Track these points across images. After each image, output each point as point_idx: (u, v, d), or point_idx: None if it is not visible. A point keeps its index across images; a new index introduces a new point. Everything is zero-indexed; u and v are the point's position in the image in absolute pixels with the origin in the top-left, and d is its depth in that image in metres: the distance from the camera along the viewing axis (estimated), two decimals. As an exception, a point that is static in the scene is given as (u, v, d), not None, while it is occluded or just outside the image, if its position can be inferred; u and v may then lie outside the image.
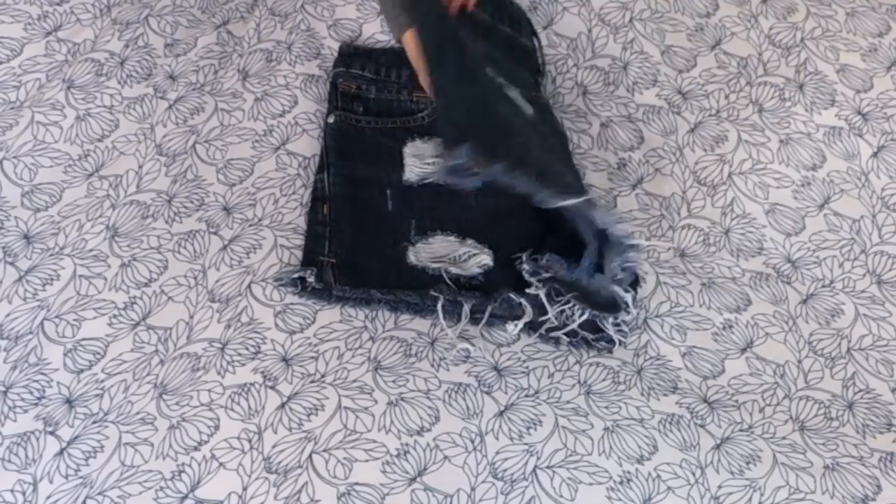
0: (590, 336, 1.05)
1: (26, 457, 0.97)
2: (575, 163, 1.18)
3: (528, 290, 1.06)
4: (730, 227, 1.17)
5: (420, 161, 1.18)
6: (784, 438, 1.00)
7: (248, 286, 1.07)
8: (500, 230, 1.13)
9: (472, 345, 1.04)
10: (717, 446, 0.98)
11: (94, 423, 0.99)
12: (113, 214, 1.13)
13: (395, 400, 0.99)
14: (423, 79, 1.15)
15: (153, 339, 1.04)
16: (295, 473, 0.94)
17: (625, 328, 1.06)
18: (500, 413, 0.99)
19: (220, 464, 0.95)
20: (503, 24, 1.25)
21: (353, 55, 1.27)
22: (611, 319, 1.05)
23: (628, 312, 1.06)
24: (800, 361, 1.07)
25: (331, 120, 1.21)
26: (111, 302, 1.06)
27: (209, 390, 1.00)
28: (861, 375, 1.06)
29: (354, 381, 1.00)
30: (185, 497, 0.94)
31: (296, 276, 1.07)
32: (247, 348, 1.02)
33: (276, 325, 1.04)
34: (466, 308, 1.06)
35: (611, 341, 1.05)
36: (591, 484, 0.95)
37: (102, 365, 1.02)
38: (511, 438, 0.97)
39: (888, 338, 1.09)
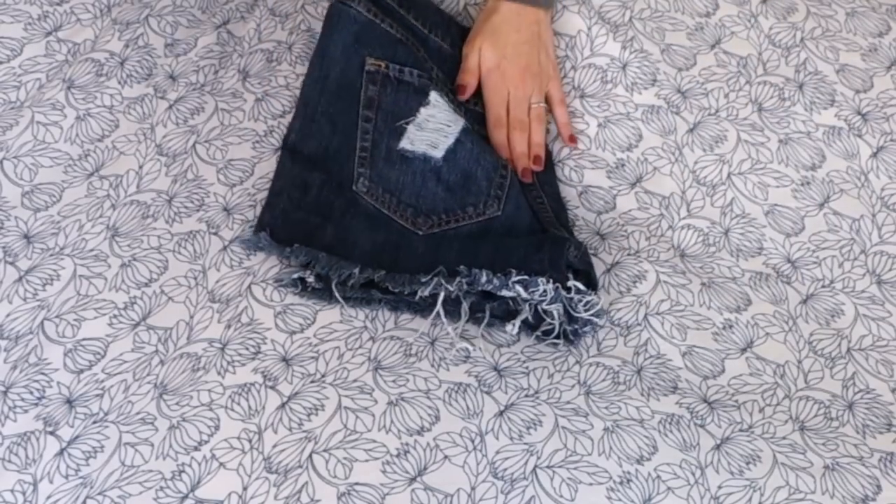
0: (569, 327, 1.05)
1: (26, 457, 0.97)
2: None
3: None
4: (729, 227, 1.17)
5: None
6: (784, 438, 1.00)
7: (249, 287, 1.07)
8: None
9: (472, 345, 1.04)
10: (717, 446, 0.98)
11: (95, 423, 0.99)
12: (113, 214, 1.13)
13: (395, 400, 0.99)
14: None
15: (153, 339, 1.04)
16: (295, 473, 0.94)
17: (595, 306, 1.05)
18: (500, 413, 0.99)
19: (221, 464, 0.95)
20: None
21: None
22: (580, 305, 1.05)
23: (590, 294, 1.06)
24: (800, 361, 1.07)
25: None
26: (111, 302, 1.06)
27: (209, 390, 1.00)
28: (861, 375, 1.07)
29: (354, 381, 1.00)
30: (185, 497, 0.94)
31: (296, 276, 1.07)
32: (247, 348, 1.02)
33: (277, 325, 1.04)
34: (465, 305, 1.05)
35: (588, 323, 1.05)
36: (591, 484, 0.95)
37: (103, 365, 1.02)
38: (511, 438, 0.97)
39: (888, 338, 1.09)
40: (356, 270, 1.06)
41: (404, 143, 1.15)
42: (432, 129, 1.15)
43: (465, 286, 1.04)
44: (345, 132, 1.15)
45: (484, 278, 1.04)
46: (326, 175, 1.13)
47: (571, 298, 1.04)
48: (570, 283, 1.04)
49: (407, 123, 1.16)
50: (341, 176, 1.14)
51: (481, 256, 1.07)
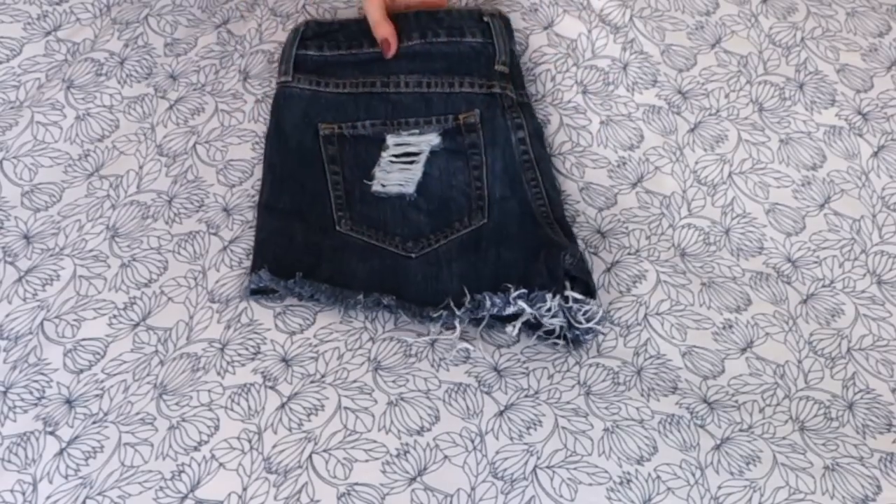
0: (570, 334, 1.05)
1: (26, 457, 0.97)
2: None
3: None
4: (730, 227, 1.17)
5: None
6: (784, 439, 1.00)
7: (249, 287, 1.07)
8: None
9: (472, 346, 1.04)
10: (717, 447, 0.98)
11: (94, 423, 0.99)
12: (113, 215, 1.13)
13: (395, 400, 0.99)
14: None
15: (153, 339, 1.04)
16: (295, 473, 0.94)
17: (596, 316, 1.06)
18: (500, 413, 0.99)
19: (220, 464, 0.95)
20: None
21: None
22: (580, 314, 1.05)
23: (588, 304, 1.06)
24: (800, 361, 1.07)
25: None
26: (111, 302, 1.06)
27: (209, 390, 1.00)
28: (861, 375, 1.06)
29: (354, 381, 1.00)
30: (185, 497, 0.94)
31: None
32: (247, 349, 1.02)
33: (276, 325, 1.04)
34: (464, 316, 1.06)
35: (589, 331, 1.05)
36: (590, 484, 0.95)
37: (102, 365, 1.02)
38: (511, 438, 0.97)
39: (888, 338, 1.09)
40: (361, 296, 1.05)
41: (376, 187, 1.17)
42: (398, 170, 1.17)
43: (470, 313, 1.05)
44: (315, 188, 1.17)
45: (488, 303, 1.04)
46: (307, 224, 1.14)
47: (570, 308, 1.04)
48: (567, 293, 1.04)
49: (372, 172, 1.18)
50: (322, 221, 1.14)
51: (482, 280, 1.08)
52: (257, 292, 1.07)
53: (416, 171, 1.17)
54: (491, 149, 1.19)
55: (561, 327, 1.05)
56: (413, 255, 1.12)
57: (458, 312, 1.05)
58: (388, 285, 1.08)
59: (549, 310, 1.04)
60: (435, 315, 1.05)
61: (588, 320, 1.05)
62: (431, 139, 1.19)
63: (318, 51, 1.25)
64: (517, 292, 1.04)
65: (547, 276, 1.06)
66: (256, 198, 1.14)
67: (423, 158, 1.18)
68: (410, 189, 1.16)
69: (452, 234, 1.14)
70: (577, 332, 1.05)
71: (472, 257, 1.12)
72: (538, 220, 1.13)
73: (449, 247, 1.13)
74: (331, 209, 1.15)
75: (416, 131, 1.20)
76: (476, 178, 1.17)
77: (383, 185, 1.17)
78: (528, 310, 1.04)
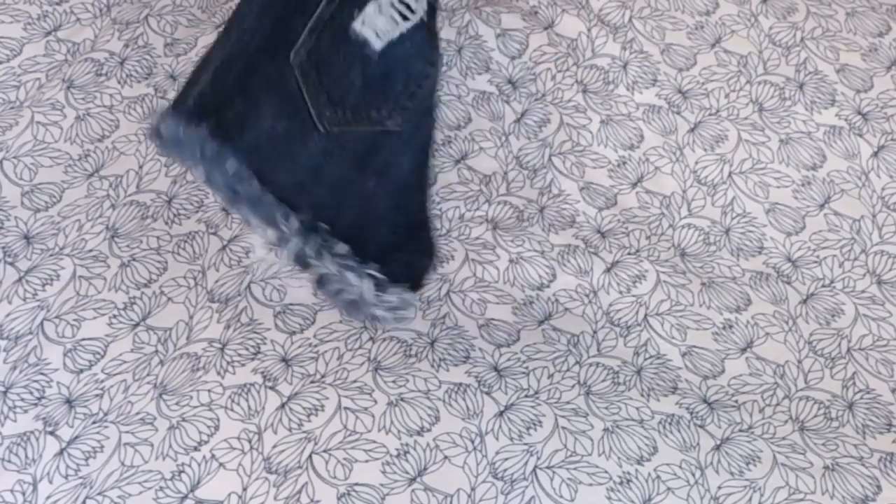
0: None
1: (26, 457, 0.97)
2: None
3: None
4: (730, 227, 1.17)
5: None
6: (784, 439, 1.00)
7: (248, 286, 1.07)
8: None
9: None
10: (717, 447, 0.99)
11: (94, 423, 0.99)
12: (113, 215, 1.13)
13: (395, 400, 0.99)
14: None
15: (153, 339, 1.04)
16: (295, 474, 0.94)
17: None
18: (500, 413, 0.99)
19: (220, 464, 0.95)
20: None
21: None
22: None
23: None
24: (800, 361, 1.07)
25: None
26: (111, 302, 1.06)
27: (209, 390, 1.00)
28: (861, 375, 1.07)
29: (354, 381, 1.00)
30: (185, 497, 0.94)
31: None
32: (246, 349, 1.02)
33: (276, 325, 1.04)
34: (293, 246, 1.02)
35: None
36: (590, 484, 0.95)
37: (102, 365, 1.02)
38: (511, 438, 0.97)
39: (888, 338, 1.09)
40: (233, 163, 0.98)
41: (356, 24, 1.08)
42: (387, 18, 1.09)
43: (320, 248, 1.02)
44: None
45: (343, 251, 1.02)
46: (265, 42, 1.04)
47: (381, 297, 1.03)
48: (394, 291, 1.04)
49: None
50: (280, 40, 1.05)
51: (345, 210, 1.04)
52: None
53: (398, 30, 1.09)
54: (446, 44, 1.13)
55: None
56: (320, 130, 1.04)
57: (306, 244, 1.00)
58: (281, 151, 1.02)
59: (391, 306, 1.03)
60: (285, 227, 1.00)
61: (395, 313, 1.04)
62: (424, 4, 1.11)
63: None
64: (373, 272, 1.02)
65: (402, 275, 1.04)
66: None
67: (415, 19, 1.09)
68: (378, 45, 1.08)
69: (366, 123, 1.06)
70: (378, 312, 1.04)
71: (355, 174, 1.05)
72: (422, 181, 1.10)
73: (354, 144, 1.06)
74: (297, 30, 1.05)
75: None
76: (426, 76, 1.11)
77: (362, 25, 1.07)
78: (369, 297, 1.01)
